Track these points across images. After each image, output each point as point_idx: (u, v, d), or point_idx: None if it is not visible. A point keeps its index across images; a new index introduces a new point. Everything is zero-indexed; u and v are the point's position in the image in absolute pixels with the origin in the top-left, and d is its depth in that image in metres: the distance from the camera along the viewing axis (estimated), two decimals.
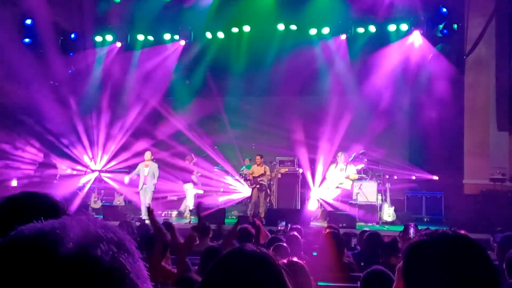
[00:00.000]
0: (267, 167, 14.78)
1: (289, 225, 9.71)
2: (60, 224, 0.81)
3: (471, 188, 13.61)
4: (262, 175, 14.61)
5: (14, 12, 15.09)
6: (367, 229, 9.61)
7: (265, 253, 1.49)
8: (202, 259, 4.76)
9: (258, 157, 14.87)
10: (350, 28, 16.15)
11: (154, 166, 14.20)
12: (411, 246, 1.60)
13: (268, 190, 14.95)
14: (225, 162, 16.37)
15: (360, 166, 14.00)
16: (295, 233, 6.54)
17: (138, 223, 10.69)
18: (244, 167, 15.71)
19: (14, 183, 14.40)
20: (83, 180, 15.74)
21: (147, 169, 14.08)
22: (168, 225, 6.93)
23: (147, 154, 14.23)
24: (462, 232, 6.87)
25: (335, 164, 13.99)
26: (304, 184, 14.71)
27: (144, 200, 13.97)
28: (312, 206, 14.10)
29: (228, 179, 15.80)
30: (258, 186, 14.56)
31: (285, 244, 5.55)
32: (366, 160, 14.27)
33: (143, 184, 13.99)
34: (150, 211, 5.42)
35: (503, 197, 12.92)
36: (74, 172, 16.00)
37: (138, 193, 14.17)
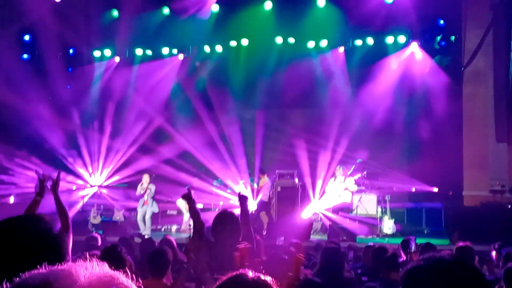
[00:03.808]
0: (264, 178, 14.75)
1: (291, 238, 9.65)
2: (65, 272, 0.80)
3: (471, 200, 13.58)
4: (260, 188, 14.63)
5: (13, 28, 15.14)
6: (372, 243, 9.57)
7: (264, 280, 1.49)
8: (215, 220, 4.84)
9: (260, 175, 14.90)
10: (348, 41, 16.19)
11: (153, 188, 14.21)
12: (408, 272, 1.59)
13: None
14: (224, 175, 16.31)
15: (358, 176, 13.98)
16: (293, 249, 6.51)
17: (138, 239, 10.66)
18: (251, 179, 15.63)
19: (11, 200, 14.37)
20: (82, 194, 15.69)
21: (146, 194, 14.08)
22: (167, 241, 6.92)
23: (145, 177, 14.22)
24: (468, 243, 6.83)
25: (334, 177, 13.98)
26: (304, 197, 14.65)
27: (142, 217, 13.99)
28: (305, 215, 13.99)
29: (228, 193, 15.74)
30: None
31: (286, 257, 5.51)
32: (365, 172, 14.26)
33: (144, 205, 14.06)
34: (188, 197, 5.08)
35: (503, 208, 12.89)
36: (74, 187, 15.94)
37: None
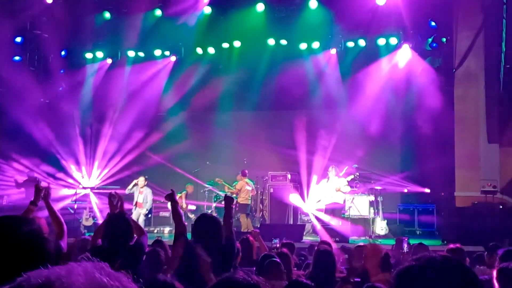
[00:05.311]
0: (243, 181, 14.76)
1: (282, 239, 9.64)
2: (66, 272, 0.80)
3: (462, 201, 13.61)
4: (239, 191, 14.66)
5: (5, 30, 15.07)
6: (362, 243, 9.56)
7: (255, 281, 1.49)
8: (196, 222, 4.91)
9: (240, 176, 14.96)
10: (340, 43, 16.21)
11: (148, 191, 14.21)
12: (400, 272, 1.59)
13: (261, 205, 14.94)
14: (217, 176, 16.30)
15: (350, 177, 13.99)
16: (285, 250, 6.53)
17: None
18: (236, 182, 15.64)
19: (4, 201, 14.31)
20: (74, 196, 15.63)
21: (141, 196, 14.09)
22: (159, 243, 6.91)
23: (141, 180, 14.23)
24: (458, 245, 6.81)
25: (326, 178, 13.99)
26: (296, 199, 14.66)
27: (136, 219, 13.98)
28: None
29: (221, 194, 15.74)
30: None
31: (278, 260, 5.53)
32: (358, 174, 14.28)
33: (136, 207, 14.06)
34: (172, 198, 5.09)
35: (494, 209, 12.93)
36: (65, 189, 15.87)
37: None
